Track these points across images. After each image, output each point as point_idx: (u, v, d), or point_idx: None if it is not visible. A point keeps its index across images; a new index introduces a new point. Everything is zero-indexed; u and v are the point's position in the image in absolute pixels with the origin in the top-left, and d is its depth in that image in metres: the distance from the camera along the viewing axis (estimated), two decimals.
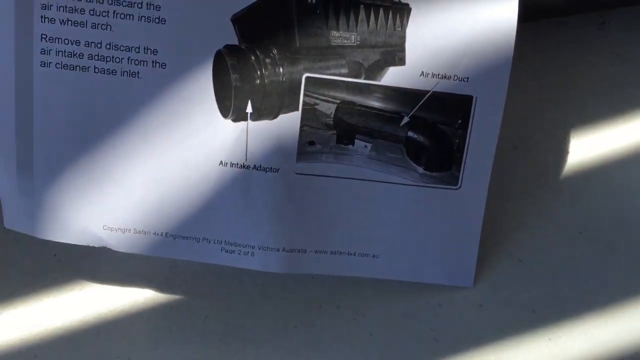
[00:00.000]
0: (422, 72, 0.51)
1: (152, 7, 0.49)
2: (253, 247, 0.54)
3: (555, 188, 0.59)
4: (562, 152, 0.61)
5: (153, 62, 0.50)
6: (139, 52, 0.50)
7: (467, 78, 0.51)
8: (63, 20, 0.49)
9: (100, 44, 0.49)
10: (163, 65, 0.50)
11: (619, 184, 0.59)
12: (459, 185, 0.53)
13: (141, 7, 0.49)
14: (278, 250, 0.53)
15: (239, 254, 0.54)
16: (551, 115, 0.62)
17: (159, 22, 0.49)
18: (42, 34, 0.49)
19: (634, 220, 0.58)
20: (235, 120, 0.51)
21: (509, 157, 0.60)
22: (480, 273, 0.56)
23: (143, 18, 0.49)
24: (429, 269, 0.55)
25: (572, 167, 0.60)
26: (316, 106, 0.51)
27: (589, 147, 0.61)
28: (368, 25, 0.50)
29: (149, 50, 0.50)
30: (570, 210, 0.58)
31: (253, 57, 0.50)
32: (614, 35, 0.65)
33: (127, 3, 0.49)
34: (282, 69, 0.50)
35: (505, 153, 0.58)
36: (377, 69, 0.51)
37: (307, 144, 0.52)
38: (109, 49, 0.50)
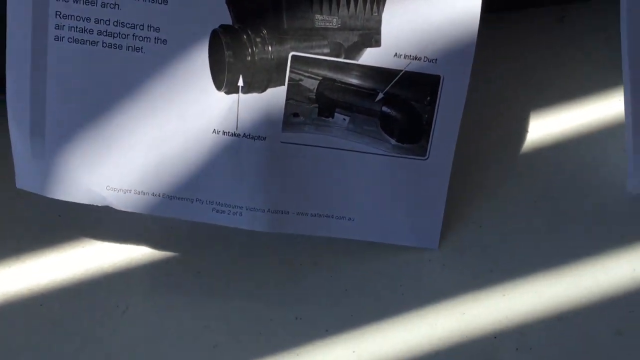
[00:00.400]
0: (396, 53, 0.55)
1: None
2: (241, 208, 0.57)
3: (514, 162, 0.63)
4: (522, 130, 0.64)
5: (155, 38, 0.54)
6: (143, 29, 0.54)
7: (436, 60, 0.55)
8: None
9: (109, 21, 0.54)
10: (164, 42, 0.54)
11: (571, 160, 0.63)
12: (427, 156, 0.57)
13: None
14: (263, 211, 0.57)
15: (228, 214, 0.58)
16: (513, 97, 0.66)
17: (161, 3, 0.53)
18: (56, 11, 0.53)
19: (583, 193, 0.62)
20: (227, 92, 0.55)
21: (475, 133, 0.63)
22: (444, 236, 0.60)
23: None
24: (399, 232, 0.59)
25: (530, 143, 0.64)
26: (300, 82, 0.55)
27: (546, 126, 0.65)
28: (348, 10, 0.55)
29: (151, 28, 0.54)
30: (527, 182, 0.62)
31: (245, 37, 0.54)
32: (572, 27, 0.69)
33: None
34: (271, 47, 0.54)
35: (471, 129, 0.61)
36: (355, 49, 0.55)
37: (291, 116, 0.56)
38: (116, 26, 0.54)
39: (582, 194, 0.62)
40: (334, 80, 0.56)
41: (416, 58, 0.55)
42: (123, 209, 0.58)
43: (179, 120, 0.56)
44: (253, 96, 0.55)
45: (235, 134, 0.56)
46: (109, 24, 0.54)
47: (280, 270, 0.60)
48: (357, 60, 0.55)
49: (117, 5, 0.53)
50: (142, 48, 0.54)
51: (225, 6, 0.54)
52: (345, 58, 0.55)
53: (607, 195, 0.62)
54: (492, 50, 0.66)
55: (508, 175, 0.63)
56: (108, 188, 0.57)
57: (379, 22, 0.55)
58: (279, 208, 0.58)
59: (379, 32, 0.55)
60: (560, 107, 0.66)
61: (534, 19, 0.69)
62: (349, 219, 0.59)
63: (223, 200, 0.57)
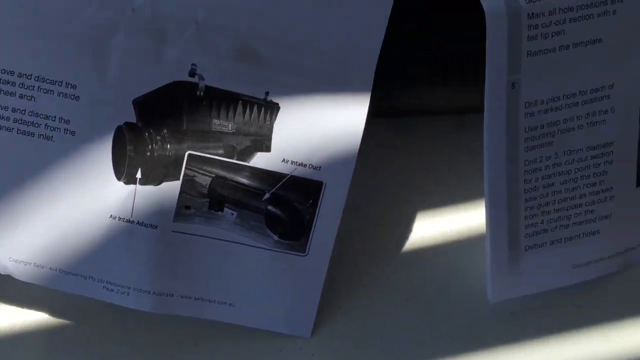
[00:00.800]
0: (284, 159, 0.60)
1: (69, 86, 0.58)
2: (129, 288, 0.62)
3: (392, 259, 0.68)
4: (405, 229, 0.69)
5: (65, 129, 0.59)
6: (54, 120, 0.59)
7: (320, 167, 0.60)
8: None
9: (25, 111, 0.58)
10: (73, 133, 0.59)
11: (447, 261, 0.67)
12: (306, 252, 0.62)
13: (61, 85, 0.58)
14: (149, 292, 0.62)
15: (117, 292, 0.62)
16: (402, 198, 0.70)
17: (73, 99, 0.58)
18: None
19: (454, 292, 0.66)
20: (126, 183, 0.60)
21: (359, 231, 0.68)
22: (318, 326, 0.64)
23: (61, 94, 0.58)
24: (276, 320, 0.64)
25: (410, 243, 0.68)
26: (195, 178, 0.60)
27: (428, 229, 0.69)
28: (243, 117, 0.60)
29: (62, 120, 0.59)
30: (403, 281, 0.66)
31: (147, 134, 0.59)
32: (471, 134, 0.71)
33: (49, 81, 0.58)
34: (170, 145, 0.59)
35: (356, 227, 0.67)
36: (247, 152, 0.60)
37: (183, 208, 0.60)
38: (31, 116, 0.59)
39: (452, 297, 0.66)
40: (225, 179, 0.61)
41: (302, 165, 0.61)
42: (23, 280, 0.62)
43: (80, 204, 0.60)
44: (149, 188, 0.60)
45: (129, 221, 0.61)
46: (24, 114, 0.59)
47: (164, 347, 0.64)
48: (248, 163, 0.61)
49: (33, 98, 0.59)
50: (52, 137, 0.59)
51: (132, 106, 0.59)
52: (237, 159, 0.61)
53: (473, 301, 0.66)
54: (389, 152, 0.72)
55: (385, 272, 0.67)
56: (10, 259, 0.62)
57: (271, 130, 0.60)
58: (164, 291, 0.62)
59: (269, 139, 0.60)
60: (446, 211, 0.71)
61: (437, 125, 0.74)
62: (230, 304, 0.63)
63: (113, 280, 0.62)
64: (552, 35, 0.58)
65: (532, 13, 0.57)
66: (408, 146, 0.73)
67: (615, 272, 0.67)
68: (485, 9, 0.56)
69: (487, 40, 0.57)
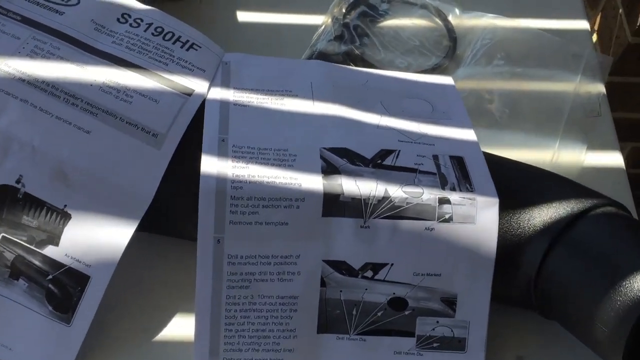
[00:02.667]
0: (67, 254, 0.85)
1: None
2: None
3: None
4: None
5: None
6: None
7: (90, 265, 0.86)
8: None
9: None
10: None
11: None
12: (70, 324, 0.87)
13: None
14: None
15: None
16: None
17: None
18: None
19: None
20: None
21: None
22: None
23: None
24: None
25: None
26: (3, 253, 0.85)
27: None
28: (44, 219, 0.85)
29: None
30: None
31: None
32: None
33: None
34: None
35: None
36: (42, 243, 0.85)
37: None
38: None
39: None
40: (24, 258, 0.87)
41: (78, 260, 0.86)
42: None
43: None
44: None
45: None
46: None
47: None
48: (42, 251, 0.86)
49: None
50: None
51: None
52: (35, 247, 0.87)
53: None
54: None
55: None
56: None
57: (61, 231, 0.86)
58: None
59: (59, 238, 0.86)
60: None
61: None
62: (9, 348, 0.87)
63: None
64: (248, 213, 0.83)
65: (234, 196, 0.83)
66: None
67: None
68: (200, 186, 0.82)
69: (199, 206, 0.83)
